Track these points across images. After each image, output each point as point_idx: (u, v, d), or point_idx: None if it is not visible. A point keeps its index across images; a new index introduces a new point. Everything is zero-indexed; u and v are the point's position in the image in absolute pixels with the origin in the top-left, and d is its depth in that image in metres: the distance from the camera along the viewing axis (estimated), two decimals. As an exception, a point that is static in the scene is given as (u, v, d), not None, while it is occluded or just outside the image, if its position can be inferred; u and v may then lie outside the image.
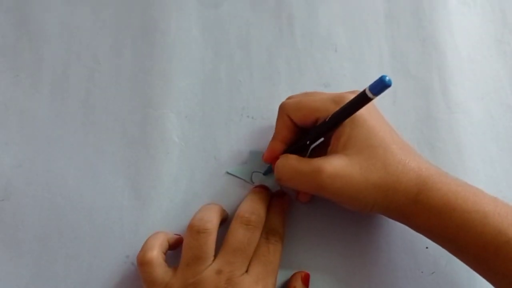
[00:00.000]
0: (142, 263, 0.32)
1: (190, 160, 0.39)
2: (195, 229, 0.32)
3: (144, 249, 0.32)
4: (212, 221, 0.32)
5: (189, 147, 0.40)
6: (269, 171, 0.39)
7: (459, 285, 0.36)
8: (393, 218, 0.33)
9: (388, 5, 0.46)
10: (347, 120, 0.32)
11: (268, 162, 0.37)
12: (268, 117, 0.41)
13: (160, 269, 0.31)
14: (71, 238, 0.37)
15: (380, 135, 0.32)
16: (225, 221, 0.36)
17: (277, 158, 0.35)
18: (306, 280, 0.35)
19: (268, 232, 0.34)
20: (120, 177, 0.38)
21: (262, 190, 0.37)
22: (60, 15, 0.44)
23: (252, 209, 0.33)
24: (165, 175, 0.38)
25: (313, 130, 0.34)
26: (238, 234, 0.32)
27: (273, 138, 0.36)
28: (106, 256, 0.36)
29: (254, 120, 0.41)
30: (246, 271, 0.31)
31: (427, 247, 0.37)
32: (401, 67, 0.43)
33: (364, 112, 0.31)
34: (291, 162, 0.33)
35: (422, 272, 0.36)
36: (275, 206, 0.36)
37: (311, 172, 0.31)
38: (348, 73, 0.43)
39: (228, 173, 0.39)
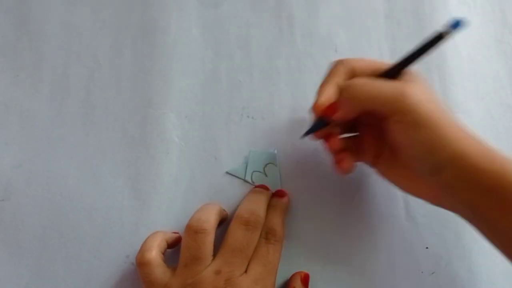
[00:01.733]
0: (141, 263, 0.32)
1: (190, 160, 0.39)
2: (192, 229, 0.32)
3: (142, 249, 0.32)
4: (210, 221, 0.32)
5: (189, 147, 0.40)
6: (314, 129, 0.35)
7: (459, 285, 0.36)
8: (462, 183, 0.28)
9: (388, 5, 0.45)
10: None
11: (319, 112, 0.32)
12: (268, 117, 0.41)
13: (159, 270, 0.31)
14: (71, 238, 0.37)
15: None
16: (225, 221, 0.36)
17: (333, 107, 0.32)
18: (305, 280, 0.35)
19: (267, 232, 0.34)
20: (120, 177, 0.38)
21: (262, 190, 0.37)
22: (60, 15, 0.44)
23: (252, 209, 0.33)
24: (165, 175, 0.38)
25: (392, 65, 0.32)
26: (237, 234, 0.32)
27: (326, 82, 0.33)
28: (106, 256, 0.36)
29: (254, 120, 0.41)
30: (246, 271, 0.31)
31: (427, 247, 0.37)
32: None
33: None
34: (372, 82, 0.30)
35: (422, 272, 0.36)
36: (275, 206, 0.36)
37: (396, 93, 0.29)
38: (348, 73, 0.43)
39: (228, 173, 0.39)
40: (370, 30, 0.44)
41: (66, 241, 0.37)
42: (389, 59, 0.43)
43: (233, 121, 0.41)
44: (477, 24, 0.46)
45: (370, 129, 0.35)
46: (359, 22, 0.45)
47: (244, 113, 0.41)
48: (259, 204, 0.34)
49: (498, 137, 0.41)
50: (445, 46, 0.44)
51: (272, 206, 0.36)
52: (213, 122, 0.41)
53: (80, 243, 0.37)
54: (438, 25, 0.45)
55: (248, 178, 0.38)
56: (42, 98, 0.41)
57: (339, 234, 0.37)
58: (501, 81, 0.43)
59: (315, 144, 0.39)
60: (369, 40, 0.44)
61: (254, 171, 0.39)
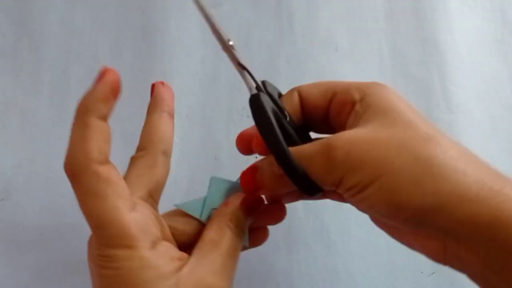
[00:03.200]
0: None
1: (190, 160, 0.39)
2: None
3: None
4: None
5: (189, 147, 0.40)
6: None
7: (459, 285, 0.36)
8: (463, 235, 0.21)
9: (388, 5, 0.45)
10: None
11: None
12: (268, 117, 0.41)
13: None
14: (71, 238, 0.37)
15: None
16: None
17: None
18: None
19: None
20: (120, 177, 0.38)
21: None
22: (60, 15, 0.44)
23: None
24: (165, 175, 0.38)
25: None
26: None
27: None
28: (106, 256, 0.36)
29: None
30: None
31: (427, 247, 0.37)
32: (401, 67, 0.43)
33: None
34: (292, 150, 0.23)
35: (422, 272, 0.36)
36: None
37: (321, 149, 0.23)
38: (348, 72, 0.43)
39: (176, 206, 0.29)
40: (370, 30, 0.44)
41: (66, 241, 0.37)
42: (389, 59, 0.43)
43: (233, 121, 0.41)
44: (477, 24, 0.46)
45: None
46: (359, 22, 0.45)
47: (244, 113, 0.41)
48: None
49: (498, 137, 0.41)
50: (445, 46, 0.44)
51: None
52: (213, 122, 0.41)
53: (80, 243, 0.36)
54: (438, 25, 0.45)
55: (204, 218, 0.27)
56: (42, 98, 0.41)
57: (339, 234, 0.37)
58: (501, 81, 0.43)
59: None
60: (369, 40, 0.44)
61: (213, 209, 0.27)
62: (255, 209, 0.26)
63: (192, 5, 0.45)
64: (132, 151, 0.39)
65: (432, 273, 0.36)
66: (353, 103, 0.25)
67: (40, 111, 0.40)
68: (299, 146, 0.24)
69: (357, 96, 0.25)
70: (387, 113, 0.23)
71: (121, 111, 0.41)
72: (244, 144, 0.27)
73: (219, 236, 0.25)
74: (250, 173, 0.26)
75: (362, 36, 0.44)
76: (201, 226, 0.26)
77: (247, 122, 0.40)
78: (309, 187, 0.24)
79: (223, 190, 0.28)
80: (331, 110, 0.27)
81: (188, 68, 0.42)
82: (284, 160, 0.23)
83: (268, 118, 0.24)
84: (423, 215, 0.20)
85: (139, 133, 0.40)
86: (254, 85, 0.26)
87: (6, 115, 0.40)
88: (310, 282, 0.35)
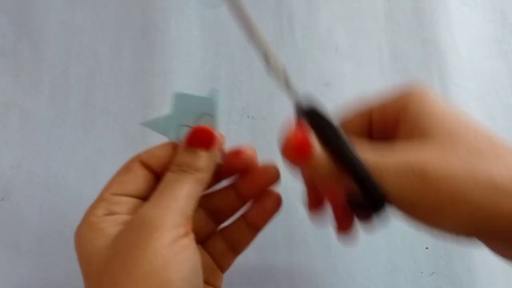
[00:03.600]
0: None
1: (190, 160, 0.39)
2: None
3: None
4: None
5: (189, 147, 0.40)
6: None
7: (459, 285, 0.36)
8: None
9: (388, 5, 0.45)
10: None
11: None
12: (268, 117, 0.41)
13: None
14: (71, 238, 0.37)
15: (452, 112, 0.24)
16: None
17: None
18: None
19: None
20: (120, 177, 0.38)
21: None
22: (60, 15, 0.44)
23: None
24: (165, 175, 0.38)
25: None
26: None
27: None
28: (106, 256, 0.36)
29: (254, 120, 0.41)
30: None
31: (427, 247, 0.37)
32: (401, 67, 0.43)
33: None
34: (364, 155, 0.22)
35: (422, 272, 0.36)
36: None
37: (410, 172, 0.21)
38: (348, 73, 0.43)
39: (143, 125, 0.28)
40: (370, 30, 0.44)
41: (66, 241, 0.36)
42: (389, 59, 0.43)
43: (233, 121, 0.41)
44: (477, 24, 0.46)
45: None
46: (359, 22, 0.45)
47: (244, 113, 0.41)
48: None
49: (498, 137, 0.41)
50: (445, 46, 0.44)
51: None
52: (213, 122, 0.40)
53: (80, 243, 0.37)
54: (438, 25, 0.45)
55: (171, 135, 0.26)
56: (42, 98, 0.41)
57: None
58: (501, 81, 0.43)
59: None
60: (369, 40, 0.44)
61: (181, 125, 0.27)
62: (199, 140, 0.25)
63: (192, 5, 0.46)
64: (132, 151, 0.39)
65: (432, 273, 0.36)
66: (395, 120, 0.24)
67: (40, 111, 0.40)
68: (378, 158, 0.22)
69: (400, 115, 0.24)
70: (439, 129, 0.23)
71: (121, 111, 0.41)
72: (301, 148, 0.22)
73: (164, 179, 0.25)
74: (303, 140, 0.23)
75: (362, 36, 0.44)
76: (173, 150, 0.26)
77: (247, 122, 0.40)
78: (377, 202, 0.22)
79: (191, 106, 0.27)
80: (373, 130, 0.26)
81: (188, 68, 0.42)
82: (361, 174, 0.22)
83: (338, 128, 0.23)
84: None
85: (139, 133, 0.40)
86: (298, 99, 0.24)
87: (6, 115, 0.40)
88: (310, 282, 0.35)
